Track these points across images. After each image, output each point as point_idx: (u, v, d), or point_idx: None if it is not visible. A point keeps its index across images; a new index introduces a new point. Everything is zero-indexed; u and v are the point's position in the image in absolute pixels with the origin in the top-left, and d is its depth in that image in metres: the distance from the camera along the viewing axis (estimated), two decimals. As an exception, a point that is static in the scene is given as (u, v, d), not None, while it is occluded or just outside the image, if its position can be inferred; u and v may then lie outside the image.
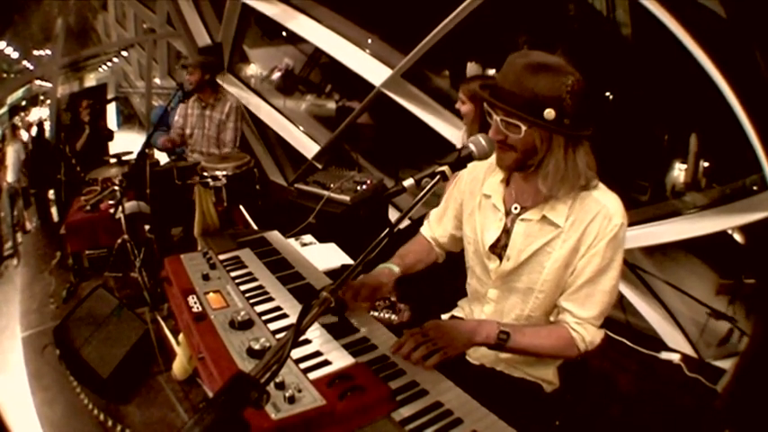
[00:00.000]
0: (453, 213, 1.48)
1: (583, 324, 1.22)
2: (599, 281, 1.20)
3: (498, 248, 1.31)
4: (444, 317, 1.55)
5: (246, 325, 1.24)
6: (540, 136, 1.14)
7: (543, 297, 1.27)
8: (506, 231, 1.30)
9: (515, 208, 1.29)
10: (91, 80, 6.62)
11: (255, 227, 3.23)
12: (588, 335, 1.22)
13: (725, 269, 3.15)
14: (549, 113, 1.09)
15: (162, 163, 3.68)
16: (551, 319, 1.31)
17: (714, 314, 3.03)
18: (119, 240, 2.92)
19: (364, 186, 3.22)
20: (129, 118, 7.11)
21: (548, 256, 1.23)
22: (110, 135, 5.25)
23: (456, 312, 1.55)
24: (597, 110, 1.24)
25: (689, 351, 2.85)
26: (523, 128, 1.12)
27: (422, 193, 1.07)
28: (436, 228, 1.53)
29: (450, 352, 1.14)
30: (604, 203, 1.19)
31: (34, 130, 5.46)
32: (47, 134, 5.32)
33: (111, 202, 3.23)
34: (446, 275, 1.88)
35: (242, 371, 0.75)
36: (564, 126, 1.11)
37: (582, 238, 1.20)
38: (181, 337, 1.85)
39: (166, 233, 3.37)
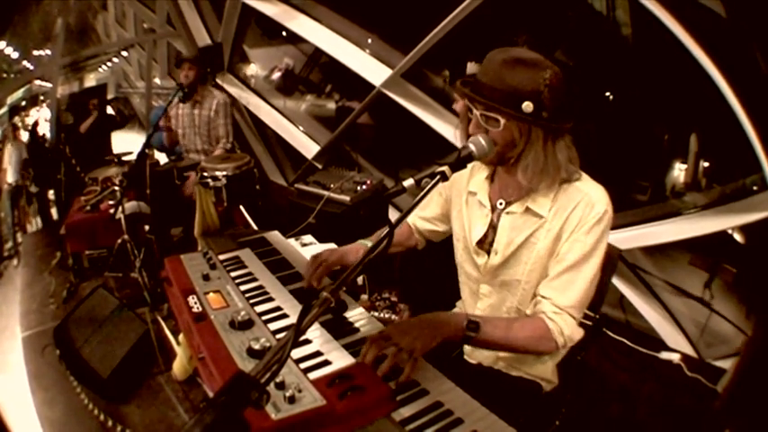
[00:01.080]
0: (436, 206, 1.51)
1: (561, 314, 1.18)
2: (581, 268, 1.20)
3: (486, 244, 1.33)
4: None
5: (246, 325, 1.24)
6: (518, 129, 1.15)
7: (530, 288, 1.27)
8: (493, 227, 1.32)
9: (500, 203, 1.31)
10: (91, 80, 6.62)
11: (255, 227, 3.24)
12: (567, 328, 1.17)
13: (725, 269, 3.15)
14: (528, 106, 1.11)
15: (162, 163, 3.68)
16: (528, 311, 1.27)
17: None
18: (119, 240, 2.92)
19: (364, 186, 3.22)
20: (129, 118, 7.11)
21: (533, 246, 1.25)
22: (122, 122, 5.24)
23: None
24: (577, 103, 1.24)
25: (689, 351, 2.85)
26: (502, 121, 1.14)
27: (422, 194, 1.07)
28: (419, 213, 1.55)
29: (416, 354, 1.06)
30: (587, 192, 1.20)
31: (29, 132, 5.48)
32: (43, 134, 5.32)
33: (111, 202, 3.24)
34: (446, 275, 1.88)
35: (242, 371, 0.75)
36: (542, 119, 1.13)
37: (564, 225, 1.21)
38: (181, 337, 1.85)
39: (166, 233, 3.37)
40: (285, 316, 1.32)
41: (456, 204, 1.43)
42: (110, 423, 2.00)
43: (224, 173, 2.82)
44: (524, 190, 1.24)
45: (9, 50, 5.68)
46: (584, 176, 1.24)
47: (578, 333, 1.22)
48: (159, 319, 2.46)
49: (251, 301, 1.36)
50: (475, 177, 1.38)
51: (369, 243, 1.47)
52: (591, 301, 1.25)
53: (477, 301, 1.39)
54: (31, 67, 6.08)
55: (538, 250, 1.24)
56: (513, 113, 1.12)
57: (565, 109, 1.16)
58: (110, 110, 5.62)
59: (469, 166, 1.38)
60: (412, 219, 1.57)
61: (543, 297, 1.22)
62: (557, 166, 1.18)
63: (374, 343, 1.09)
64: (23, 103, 5.76)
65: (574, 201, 1.21)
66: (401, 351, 1.06)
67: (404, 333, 1.09)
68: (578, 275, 1.20)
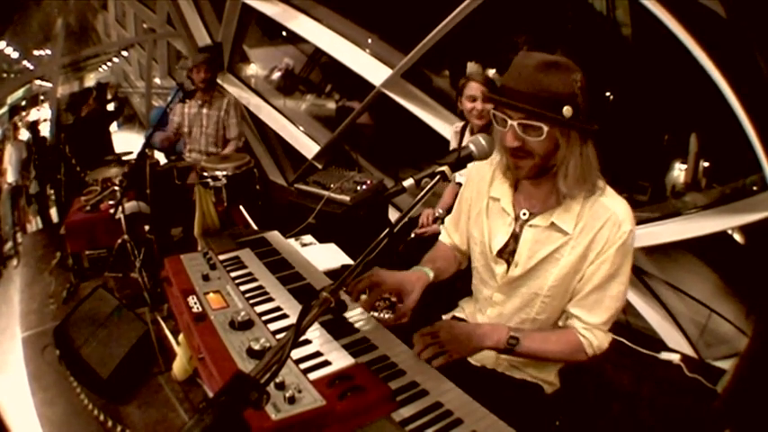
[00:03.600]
0: (467, 217, 1.46)
1: (591, 330, 1.22)
2: (607, 287, 1.20)
3: (506, 254, 1.30)
4: (445, 317, 1.54)
5: (246, 325, 1.24)
6: (560, 135, 1.13)
7: (550, 301, 1.27)
8: (514, 237, 1.29)
9: (524, 214, 1.27)
10: (91, 80, 6.62)
11: (255, 227, 3.23)
12: (596, 340, 1.22)
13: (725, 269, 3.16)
14: (568, 110, 1.09)
15: (162, 163, 3.68)
16: (560, 324, 1.30)
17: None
18: (119, 240, 2.92)
19: (364, 186, 3.22)
20: (129, 118, 7.11)
21: (556, 262, 1.23)
22: (120, 109, 5.22)
23: (456, 313, 1.54)
24: (600, 104, 1.25)
25: (689, 351, 2.85)
26: (546, 129, 1.10)
27: (422, 194, 1.07)
28: (454, 234, 1.51)
29: (455, 355, 1.15)
30: (614, 210, 1.18)
31: (28, 132, 5.49)
32: (43, 134, 5.33)
33: (111, 202, 3.23)
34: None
35: (242, 371, 0.75)
36: (580, 122, 1.12)
37: (591, 245, 1.19)
38: (181, 337, 1.85)
39: (166, 233, 3.37)
40: (285, 316, 1.32)
41: (476, 207, 1.40)
42: (110, 423, 2.00)
43: (224, 173, 2.82)
44: (551, 202, 1.22)
45: (9, 50, 5.69)
46: (609, 190, 1.23)
47: (607, 341, 1.25)
48: (159, 319, 2.45)
49: (251, 302, 1.36)
50: (497, 182, 1.34)
51: (430, 272, 1.36)
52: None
53: (486, 306, 1.38)
54: (31, 67, 6.09)
55: (561, 266, 1.22)
56: (557, 118, 1.09)
57: (593, 110, 1.15)
58: (110, 107, 5.62)
59: (491, 169, 1.36)
60: (450, 240, 1.51)
61: (573, 315, 1.25)
62: (591, 169, 1.17)
63: (423, 337, 1.17)
64: (23, 102, 5.77)
65: (601, 219, 1.18)
66: (442, 348, 1.14)
67: (452, 337, 1.17)
68: (605, 295, 1.21)
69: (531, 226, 1.25)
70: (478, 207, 1.39)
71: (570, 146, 1.14)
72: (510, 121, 1.14)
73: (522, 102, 1.11)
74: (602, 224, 1.18)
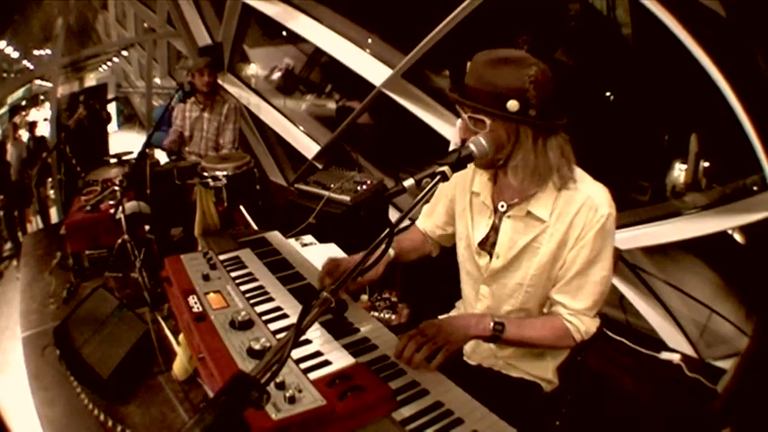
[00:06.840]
0: (443, 210, 1.50)
1: (576, 315, 1.23)
2: (589, 272, 1.21)
3: (487, 246, 1.32)
4: (441, 317, 1.55)
5: (247, 325, 1.24)
6: (506, 129, 1.14)
7: (533, 290, 1.28)
8: (495, 229, 1.31)
9: (502, 206, 1.29)
10: (91, 80, 6.63)
11: (256, 227, 3.24)
12: (583, 325, 1.23)
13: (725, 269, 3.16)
14: (513, 105, 1.10)
15: (162, 163, 3.68)
16: (545, 311, 1.31)
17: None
18: (119, 240, 2.92)
19: (364, 186, 3.22)
20: (129, 118, 7.12)
21: (536, 251, 1.24)
22: (108, 119, 5.23)
23: (453, 313, 1.55)
24: (567, 99, 1.24)
25: (689, 351, 2.85)
26: (488, 122, 1.13)
27: (422, 194, 1.07)
28: (426, 221, 1.56)
29: (450, 348, 1.15)
30: (589, 194, 1.19)
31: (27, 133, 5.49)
32: (39, 134, 5.33)
33: (111, 202, 3.23)
34: (445, 276, 1.88)
35: (242, 371, 0.75)
36: (529, 117, 1.12)
37: (569, 230, 1.20)
38: (181, 337, 1.85)
39: (166, 233, 3.37)
40: (285, 316, 1.32)
41: (460, 203, 1.42)
42: (110, 423, 2.00)
43: (224, 173, 2.82)
44: (525, 193, 1.23)
45: (9, 50, 5.69)
46: (583, 176, 1.23)
47: (595, 325, 1.26)
48: (159, 319, 2.45)
49: (251, 302, 1.36)
50: (478, 177, 1.36)
51: (391, 251, 1.45)
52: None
53: (476, 302, 1.39)
54: (32, 67, 6.09)
55: (541, 255, 1.23)
56: (497, 113, 1.11)
57: (555, 106, 1.14)
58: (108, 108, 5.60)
59: (472, 165, 1.38)
60: (423, 226, 1.56)
61: (557, 301, 1.26)
62: (548, 165, 1.17)
63: (412, 339, 1.15)
64: (24, 102, 5.77)
65: (576, 204, 1.19)
66: (435, 345, 1.13)
67: (439, 331, 1.17)
68: (587, 280, 1.21)
69: (508, 217, 1.27)
70: (463, 204, 1.41)
71: (519, 141, 1.16)
72: (463, 114, 1.19)
73: (469, 97, 1.15)
74: (578, 209, 1.19)
